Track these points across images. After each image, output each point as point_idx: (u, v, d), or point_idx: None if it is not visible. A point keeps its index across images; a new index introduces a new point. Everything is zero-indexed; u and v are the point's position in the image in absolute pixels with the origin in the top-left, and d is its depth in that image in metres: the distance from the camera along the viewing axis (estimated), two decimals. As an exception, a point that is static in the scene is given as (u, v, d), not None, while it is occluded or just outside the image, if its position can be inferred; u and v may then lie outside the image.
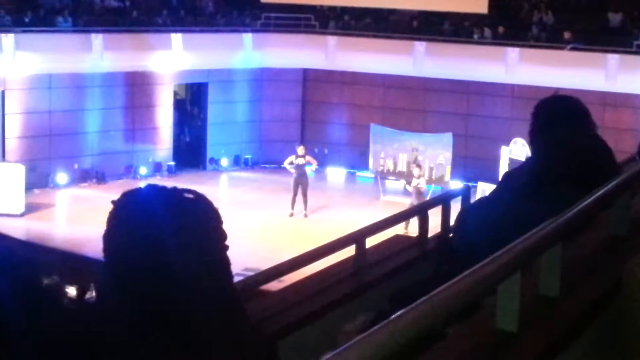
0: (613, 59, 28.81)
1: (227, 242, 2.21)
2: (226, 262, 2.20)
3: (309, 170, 27.35)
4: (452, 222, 7.56)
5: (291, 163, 26.78)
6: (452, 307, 2.56)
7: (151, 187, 2.21)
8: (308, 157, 27.20)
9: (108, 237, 2.16)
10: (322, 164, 30.61)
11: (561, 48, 29.72)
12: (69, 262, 19.67)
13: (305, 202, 26.44)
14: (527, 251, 3.04)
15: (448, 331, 3.10)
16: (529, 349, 3.00)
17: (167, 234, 2.11)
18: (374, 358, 2.09)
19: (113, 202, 2.18)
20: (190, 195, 2.19)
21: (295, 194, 26.42)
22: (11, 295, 2.01)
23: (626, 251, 3.95)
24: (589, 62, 28.76)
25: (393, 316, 2.27)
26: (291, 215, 26.30)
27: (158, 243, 2.10)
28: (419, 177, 25.96)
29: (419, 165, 27.02)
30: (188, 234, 2.13)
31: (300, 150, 26.93)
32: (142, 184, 2.24)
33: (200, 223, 2.17)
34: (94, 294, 2.21)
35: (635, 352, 3.35)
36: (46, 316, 2.02)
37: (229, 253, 2.22)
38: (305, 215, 26.30)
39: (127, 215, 2.16)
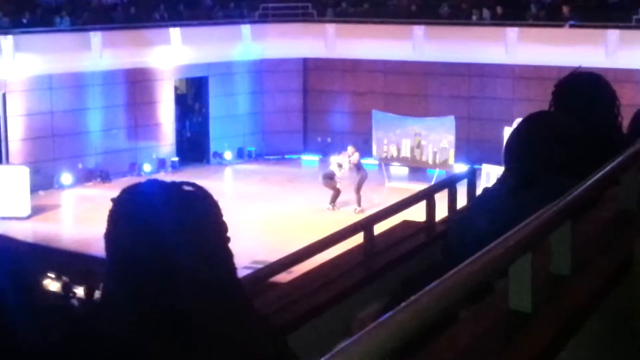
0: (613, 34, 28.76)
1: (229, 234, 2.20)
2: (228, 254, 2.19)
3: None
4: (458, 205, 7.56)
5: (340, 165, 26.68)
6: (465, 289, 2.56)
7: (150, 182, 2.21)
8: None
9: (109, 235, 2.17)
10: (325, 152, 30.62)
11: (560, 26, 29.67)
12: (77, 263, 19.76)
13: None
14: (536, 230, 3.03)
15: (462, 314, 3.09)
16: (543, 329, 2.99)
17: (167, 227, 2.11)
18: (390, 343, 2.09)
19: (113, 199, 2.19)
20: (190, 188, 2.19)
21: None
22: (14, 297, 2.01)
23: (636, 226, 3.94)
24: (588, 39, 28.71)
25: (406, 301, 2.27)
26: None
27: (159, 236, 2.11)
28: (352, 155, 26.57)
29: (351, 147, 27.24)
30: (188, 227, 2.12)
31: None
32: (144, 181, 2.24)
33: (200, 215, 2.16)
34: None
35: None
36: (50, 317, 2.02)
37: (236, 246, 2.22)
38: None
39: (127, 211, 2.16)
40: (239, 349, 2.15)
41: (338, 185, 26.67)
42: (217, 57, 31.33)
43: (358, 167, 26.85)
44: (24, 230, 24.49)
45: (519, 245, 2.90)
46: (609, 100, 4.48)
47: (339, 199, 26.62)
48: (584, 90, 4.48)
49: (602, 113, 4.40)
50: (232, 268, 2.20)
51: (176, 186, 2.19)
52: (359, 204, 25.97)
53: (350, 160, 26.76)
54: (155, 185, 2.20)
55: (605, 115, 4.42)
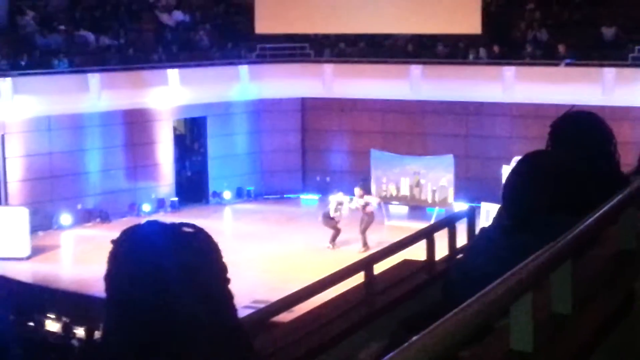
0: (609, 72, 28.88)
1: (229, 275, 2.21)
2: (228, 296, 2.19)
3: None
4: (458, 244, 7.57)
5: (340, 204, 26.63)
6: (466, 330, 2.56)
7: (150, 224, 2.21)
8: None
9: (109, 276, 2.17)
10: (324, 191, 30.61)
11: (557, 64, 29.79)
12: (77, 304, 19.71)
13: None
14: (537, 270, 3.04)
15: (463, 355, 3.09)
16: (545, 368, 2.99)
17: (167, 269, 2.11)
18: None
19: (113, 241, 2.19)
20: (189, 229, 2.19)
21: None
22: (14, 337, 2.02)
23: (636, 265, 3.94)
24: (585, 77, 28.84)
25: (407, 342, 2.27)
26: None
27: (159, 279, 2.11)
28: (361, 196, 26.44)
29: (360, 186, 27.24)
30: (188, 269, 2.13)
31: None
32: (144, 222, 2.25)
33: (200, 257, 2.16)
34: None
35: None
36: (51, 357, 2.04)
37: (236, 285, 2.22)
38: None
39: (127, 253, 2.16)
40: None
41: (338, 225, 26.64)
42: (215, 97, 31.41)
43: (365, 208, 26.77)
44: (24, 271, 24.46)
45: (520, 285, 2.91)
46: (605, 138, 4.50)
47: (340, 238, 26.58)
48: (579, 128, 4.50)
49: (599, 151, 4.41)
50: (232, 310, 2.20)
51: (176, 228, 2.19)
52: (365, 245, 25.79)
53: (360, 202, 26.70)
54: (155, 226, 2.20)
55: (602, 153, 4.44)
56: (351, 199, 27.01)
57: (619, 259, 4.10)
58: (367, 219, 26.53)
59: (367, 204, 26.83)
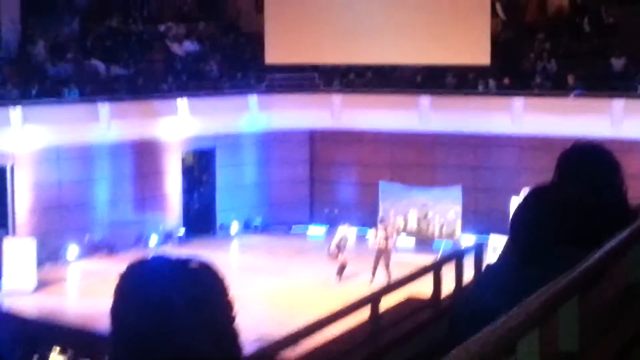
0: (618, 104, 28.89)
1: (235, 311, 2.19)
2: (234, 333, 2.18)
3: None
4: (465, 278, 7.51)
5: (344, 237, 26.59)
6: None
7: (156, 258, 2.20)
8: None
9: (115, 310, 2.16)
10: (332, 223, 30.56)
11: (566, 96, 29.80)
12: (82, 337, 19.68)
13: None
14: (544, 306, 2.99)
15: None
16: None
17: (173, 304, 2.10)
18: None
19: (119, 274, 2.18)
20: (196, 265, 2.18)
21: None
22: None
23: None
24: (594, 109, 28.84)
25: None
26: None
27: (165, 314, 2.10)
28: (385, 231, 26.34)
29: (382, 221, 27.23)
30: (194, 304, 2.12)
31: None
32: (152, 254, 2.23)
33: (207, 293, 2.15)
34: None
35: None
36: None
37: (243, 319, 2.20)
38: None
39: (133, 288, 2.15)
40: None
41: (344, 257, 26.51)
42: (224, 128, 31.47)
43: (387, 242, 26.56)
44: (30, 304, 24.39)
45: (526, 321, 2.87)
46: (613, 170, 4.46)
47: (347, 272, 26.45)
48: (587, 160, 4.46)
49: (606, 183, 4.37)
50: (238, 348, 2.18)
51: (183, 263, 2.18)
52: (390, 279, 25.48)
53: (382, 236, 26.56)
54: (162, 261, 2.19)
55: (609, 186, 4.40)
56: (367, 232, 26.80)
57: (627, 294, 4.05)
58: (388, 254, 26.33)
59: (387, 239, 26.61)
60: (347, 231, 26.92)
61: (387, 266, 25.95)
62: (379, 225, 26.93)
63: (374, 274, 25.81)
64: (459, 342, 2.62)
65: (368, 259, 26.40)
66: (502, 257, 3.70)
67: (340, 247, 26.57)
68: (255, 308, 21.56)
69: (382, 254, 26.19)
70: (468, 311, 3.51)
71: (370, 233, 27.04)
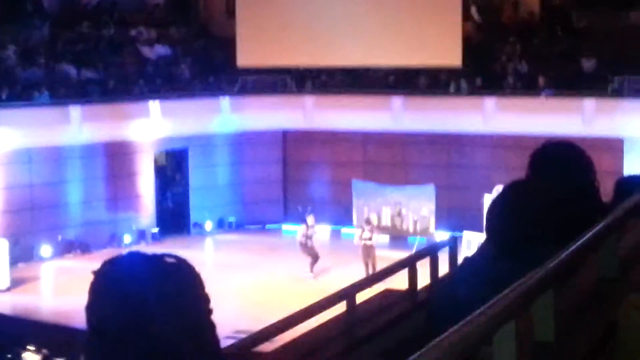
0: (589, 103, 29.05)
1: (211, 306, 2.20)
2: (211, 326, 2.19)
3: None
4: (440, 272, 7.58)
5: (309, 229, 26.73)
6: (449, 358, 2.55)
7: (131, 254, 2.20)
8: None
9: (91, 307, 2.16)
10: (305, 221, 30.54)
11: (537, 95, 29.95)
12: (57, 335, 19.58)
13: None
14: (520, 298, 3.04)
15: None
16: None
17: (149, 300, 2.11)
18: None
19: (94, 272, 2.18)
20: (172, 260, 2.18)
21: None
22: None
23: (617, 293, 3.95)
24: (565, 108, 29.00)
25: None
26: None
27: (141, 310, 2.10)
28: (371, 231, 26.41)
29: (368, 222, 27.25)
30: (170, 299, 2.12)
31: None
32: (125, 253, 2.24)
33: (183, 287, 2.16)
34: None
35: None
36: None
37: (218, 315, 2.21)
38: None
39: (109, 284, 2.16)
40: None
41: (316, 251, 26.61)
42: (196, 129, 31.40)
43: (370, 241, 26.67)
44: (4, 303, 24.29)
45: (502, 313, 2.91)
46: (585, 167, 4.52)
47: (320, 267, 26.51)
48: (559, 158, 4.51)
49: (578, 180, 4.43)
50: (215, 340, 2.19)
51: (158, 258, 2.18)
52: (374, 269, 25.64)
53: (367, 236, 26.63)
54: (136, 257, 2.19)
55: (582, 182, 4.46)
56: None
57: (600, 287, 4.12)
58: (374, 252, 26.39)
59: (370, 238, 26.71)
60: (312, 221, 27.01)
61: (373, 265, 26.05)
62: (365, 226, 27.03)
63: (366, 271, 25.92)
64: (437, 333, 2.66)
65: (342, 255, 26.53)
66: (479, 251, 3.76)
67: (308, 236, 26.68)
68: (230, 304, 21.57)
69: (369, 252, 26.32)
70: (445, 303, 3.56)
71: (356, 232, 27.16)
